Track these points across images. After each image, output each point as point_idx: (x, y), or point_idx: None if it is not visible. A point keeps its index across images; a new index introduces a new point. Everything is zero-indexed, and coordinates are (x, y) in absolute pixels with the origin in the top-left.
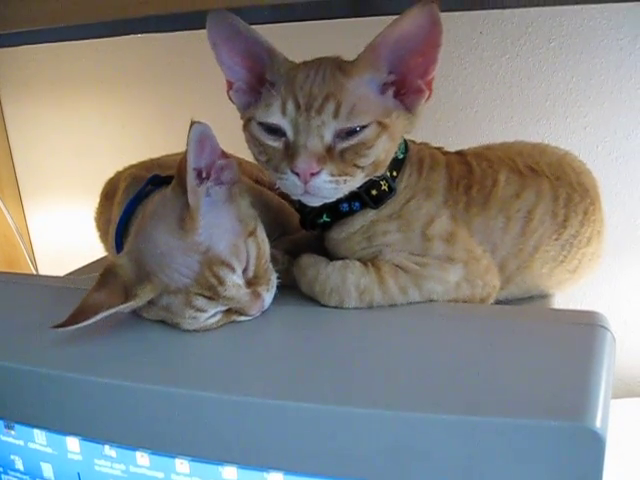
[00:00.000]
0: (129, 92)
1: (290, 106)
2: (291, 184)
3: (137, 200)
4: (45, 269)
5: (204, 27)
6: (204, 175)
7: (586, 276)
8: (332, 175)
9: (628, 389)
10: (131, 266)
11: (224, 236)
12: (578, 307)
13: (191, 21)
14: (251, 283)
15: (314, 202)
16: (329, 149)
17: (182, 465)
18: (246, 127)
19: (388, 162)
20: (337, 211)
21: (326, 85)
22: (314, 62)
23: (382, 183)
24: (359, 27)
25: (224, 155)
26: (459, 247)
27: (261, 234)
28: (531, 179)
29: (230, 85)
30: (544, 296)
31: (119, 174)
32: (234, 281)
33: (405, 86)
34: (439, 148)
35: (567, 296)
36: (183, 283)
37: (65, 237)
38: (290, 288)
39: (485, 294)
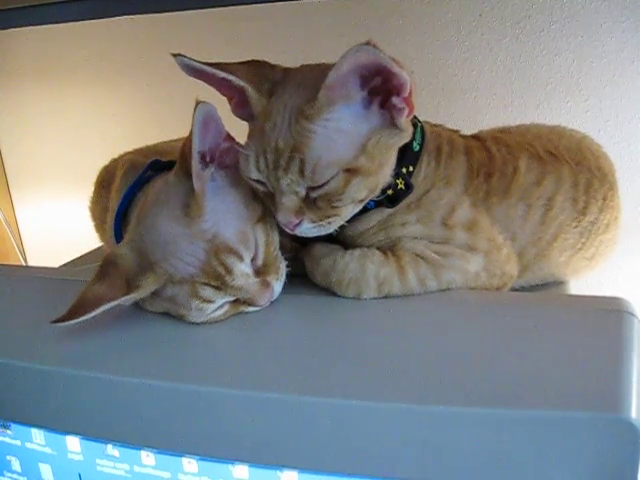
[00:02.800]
0: (119, 79)
1: (262, 163)
2: (283, 227)
3: (137, 187)
4: (35, 261)
5: (199, 7)
6: (208, 159)
7: (602, 263)
8: (313, 222)
9: None
10: (133, 256)
11: (231, 222)
12: (582, 292)
13: (186, 1)
14: (260, 272)
15: (312, 236)
16: (306, 199)
17: (190, 464)
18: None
19: (382, 185)
20: None
21: (291, 135)
22: (287, 93)
23: (398, 182)
24: (354, 5)
25: (229, 137)
26: (481, 236)
27: (270, 220)
28: (551, 165)
29: (229, 100)
30: (560, 282)
31: (115, 161)
32: (242, 270)
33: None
34: (456, 131)
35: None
36: (188, 272)
37: (55, 228)
38: (299, 276)
39: (502, 283)
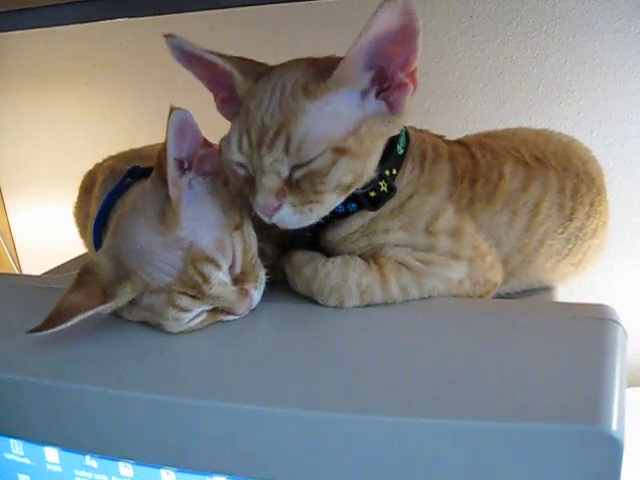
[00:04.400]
0: (111, 83)
1: (245, 142)
2: (260, 215)
3: (116, 193)
4: (28, 267)
5: (190, 10)
6: (186, 166)
7: (590, 268)
8: (294, 206)
9: (631, 379)
10: (110, 264)
11: (208, 230)
12: (575, 295)
13: (176, 4)
14: (238, 280)
15: (291, 227)
16: (288, 181)
17: (168, 476)
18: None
19: (367, 177)
20: (331, 212)
21: (281, 112)
22: (276, 76)
23: (381, 184)
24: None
25: (207, 144)
26: (465, 243)
27: (247, 227)
28: (537, 170)
29: (215, 96)
30: (547, 288)
31: (98, 166)
32: (220, 278)
33: (387, 82)
34: (440, 136)
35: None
36: (165, 281)
37: (48, 234)
38: (279, 284)
39: (484, 291)
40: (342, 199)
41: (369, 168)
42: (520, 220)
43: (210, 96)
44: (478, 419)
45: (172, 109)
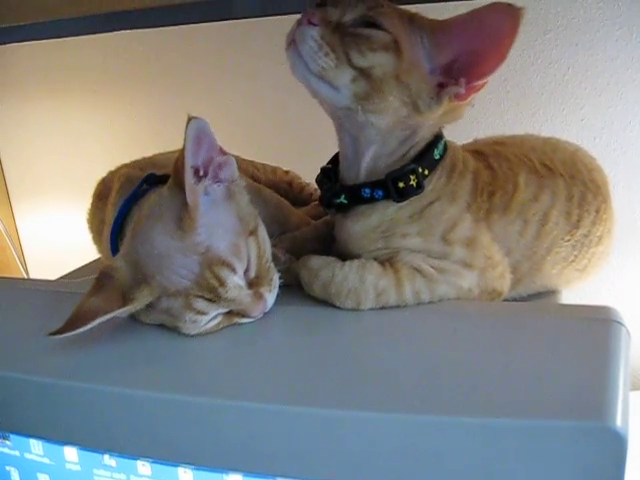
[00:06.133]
0: (118, 92)
1: None
2: (291, 29)
3: (132, 200)
4: (36, 273)
5: (196, 21)
6: (202, 173)
7: (594, 274)
8: (321, 38)
9: (634, 382)
10: (128, 269)
11: (224, 235)
12: (579, 300)
13: (182, 15)
14: (253, 284)
15: (294, 61)
16: (339, 26)
17: (185, 474)
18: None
19: (378, 108)
20: (357, 195)
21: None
22: None
23: (411, 177)
24: None
25: (222, 152)
26: (479, 253)
27: (262, 232)
28: (547, 179)
29: None
30: (552, 292)
31: (112, 174)
32: (235, 282)
33: (449, 78)
34: (466, 150)
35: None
36: (182, 285)
37: (56, 239)
38: (291, 287)
39: (490, 299)
40: (346, 100)
41: (387, 104)
42: (531, 229)
43: (217, 105)
44: (486, 416)
45: (190, 118)
